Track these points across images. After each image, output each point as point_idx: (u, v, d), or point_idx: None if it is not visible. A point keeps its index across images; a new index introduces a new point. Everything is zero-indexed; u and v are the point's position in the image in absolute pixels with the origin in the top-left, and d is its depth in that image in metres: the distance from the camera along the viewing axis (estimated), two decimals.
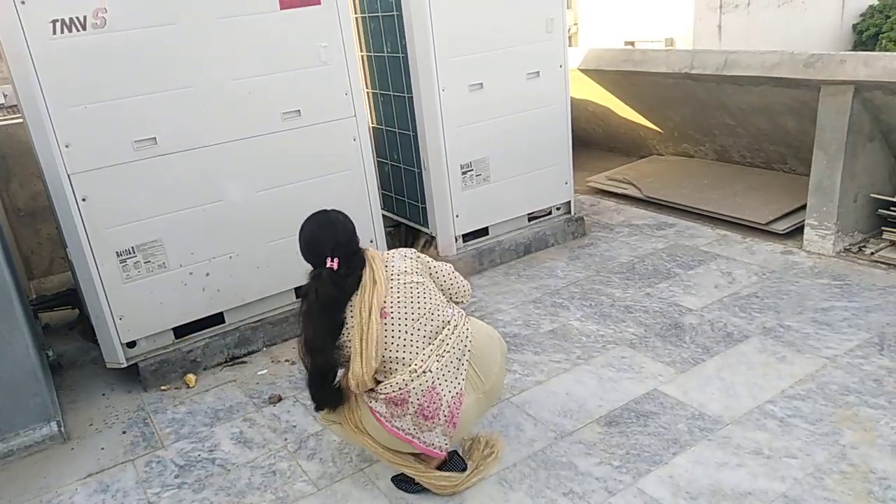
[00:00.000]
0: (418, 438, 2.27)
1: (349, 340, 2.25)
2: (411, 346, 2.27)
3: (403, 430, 2.26)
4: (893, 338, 3.13)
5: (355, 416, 2.35)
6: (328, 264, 2.24)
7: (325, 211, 2.43)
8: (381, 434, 2.32)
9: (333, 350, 2.26)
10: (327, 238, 2.30)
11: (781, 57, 4.20)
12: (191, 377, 3.34)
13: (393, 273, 2.33)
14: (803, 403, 2.75)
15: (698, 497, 2.33)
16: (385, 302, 2.26)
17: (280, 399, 3.14)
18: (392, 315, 2.27)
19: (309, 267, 2.34)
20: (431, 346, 2.28)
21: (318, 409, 2.38)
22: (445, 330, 2.32)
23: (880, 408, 2.68)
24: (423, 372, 2.24)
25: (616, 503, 2.34)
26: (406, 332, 2.27)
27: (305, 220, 2.39)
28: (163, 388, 3.31)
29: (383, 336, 2.25)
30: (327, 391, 2.32)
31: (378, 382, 2.28)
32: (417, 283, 2.34)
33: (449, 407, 2.26)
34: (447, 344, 2.29)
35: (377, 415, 2.28)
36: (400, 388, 2.22)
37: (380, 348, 2.23)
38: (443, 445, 2.30)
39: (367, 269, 2.29)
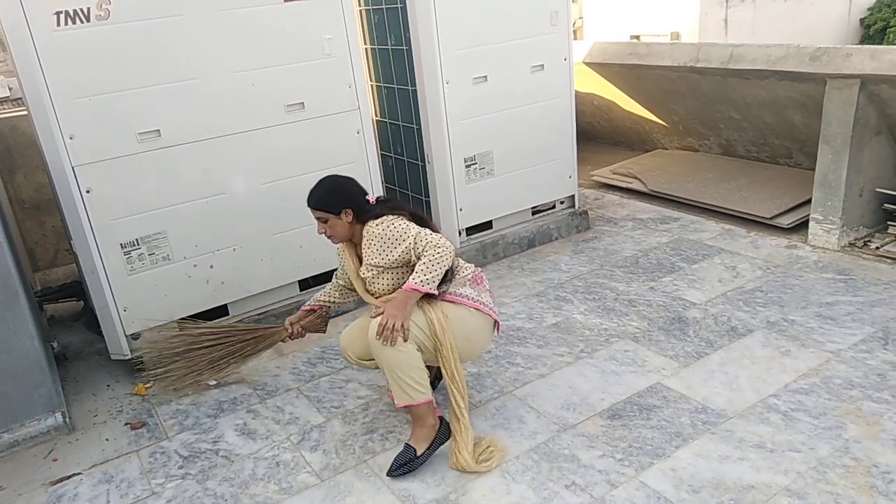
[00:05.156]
0: (495, 311, 2.65)
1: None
2: None
3: (487, 305, 2.62)
4: None
5: (436, 316, 2.50)
6: (371, 200, 2.62)
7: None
8: (468, 322, 2.55)
9: None
10: (353, 184, 2.66)
11: (787, 50, 4.18)
12: (141, 386, 3.25)
13: None
14: (807, 397, 2.75)
15: (701, 490, 2.33)
16: None
17: (143, 425, 3.00)
18: None
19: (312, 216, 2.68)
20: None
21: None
22: None
23: (884, 402, 2.68)
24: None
25: (618, 496, 2.35)
26: None
27: (324, 178, 2.66)
28: (132, 390, 3.26)
29: None
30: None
31: None
32: None
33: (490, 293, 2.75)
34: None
35: (465, 300, 2.57)
36: (474, 268, 2.68)
37: None
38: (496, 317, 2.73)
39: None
